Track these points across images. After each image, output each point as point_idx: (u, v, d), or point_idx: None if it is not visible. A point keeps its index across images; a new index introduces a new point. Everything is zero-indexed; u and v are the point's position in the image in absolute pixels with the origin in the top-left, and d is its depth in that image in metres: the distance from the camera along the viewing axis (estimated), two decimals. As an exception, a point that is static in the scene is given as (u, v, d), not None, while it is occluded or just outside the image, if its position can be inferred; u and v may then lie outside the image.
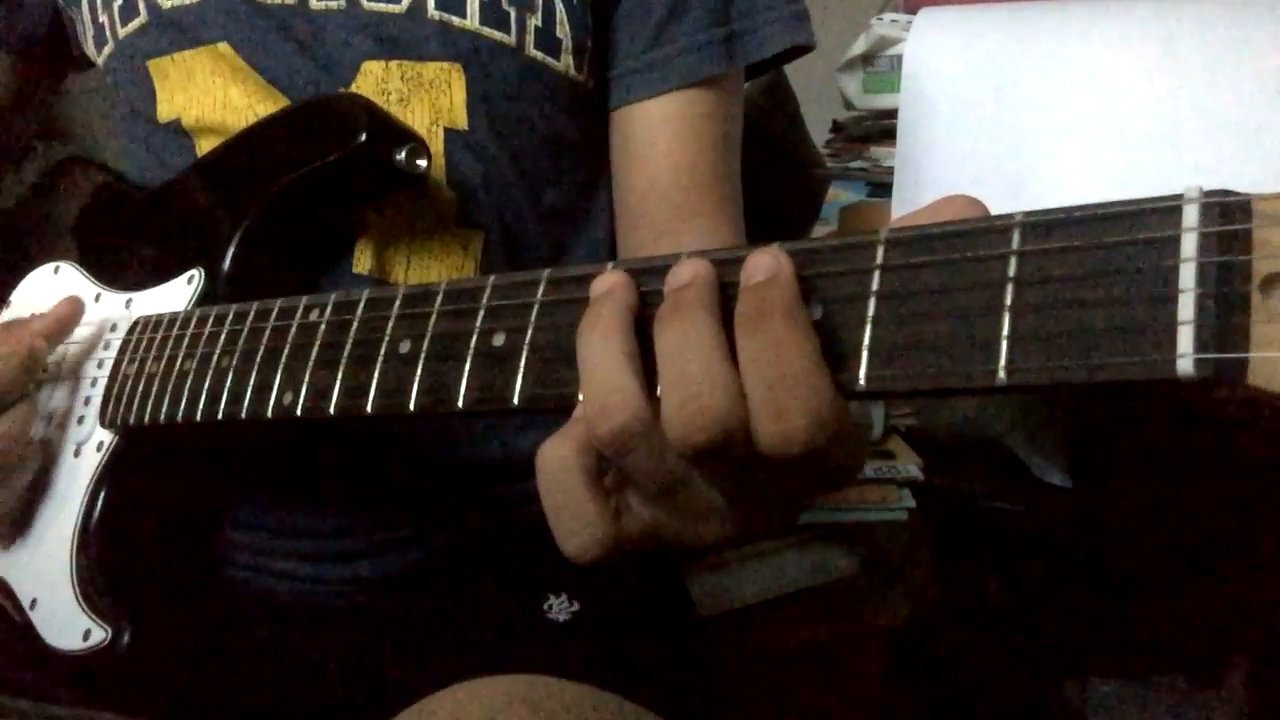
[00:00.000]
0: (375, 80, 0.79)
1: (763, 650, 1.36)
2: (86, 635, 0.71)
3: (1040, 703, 1.55)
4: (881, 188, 1.42)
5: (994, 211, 0.41)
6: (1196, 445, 1.36)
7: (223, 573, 0.83)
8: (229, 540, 0.83)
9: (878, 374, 0.40)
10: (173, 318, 0.72)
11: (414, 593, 0.82)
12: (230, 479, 0.81)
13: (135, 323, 0.76)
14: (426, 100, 0.80)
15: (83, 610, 0.72)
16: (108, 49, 0.86)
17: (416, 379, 0.53)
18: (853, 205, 1.47)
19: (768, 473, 0.43)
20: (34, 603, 0.75)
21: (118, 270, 0.82)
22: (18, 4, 0.94)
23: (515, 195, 0.83)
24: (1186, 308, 0.34)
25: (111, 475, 0.74)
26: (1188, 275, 0.34)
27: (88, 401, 0.76)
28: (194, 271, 0.76)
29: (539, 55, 0.81)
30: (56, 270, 0.86)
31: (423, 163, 0.74)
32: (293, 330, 0.61)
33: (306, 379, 0.59)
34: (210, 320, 0.68)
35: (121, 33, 0.84)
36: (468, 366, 0.51)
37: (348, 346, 0.57)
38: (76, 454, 0.76)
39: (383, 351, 0.55)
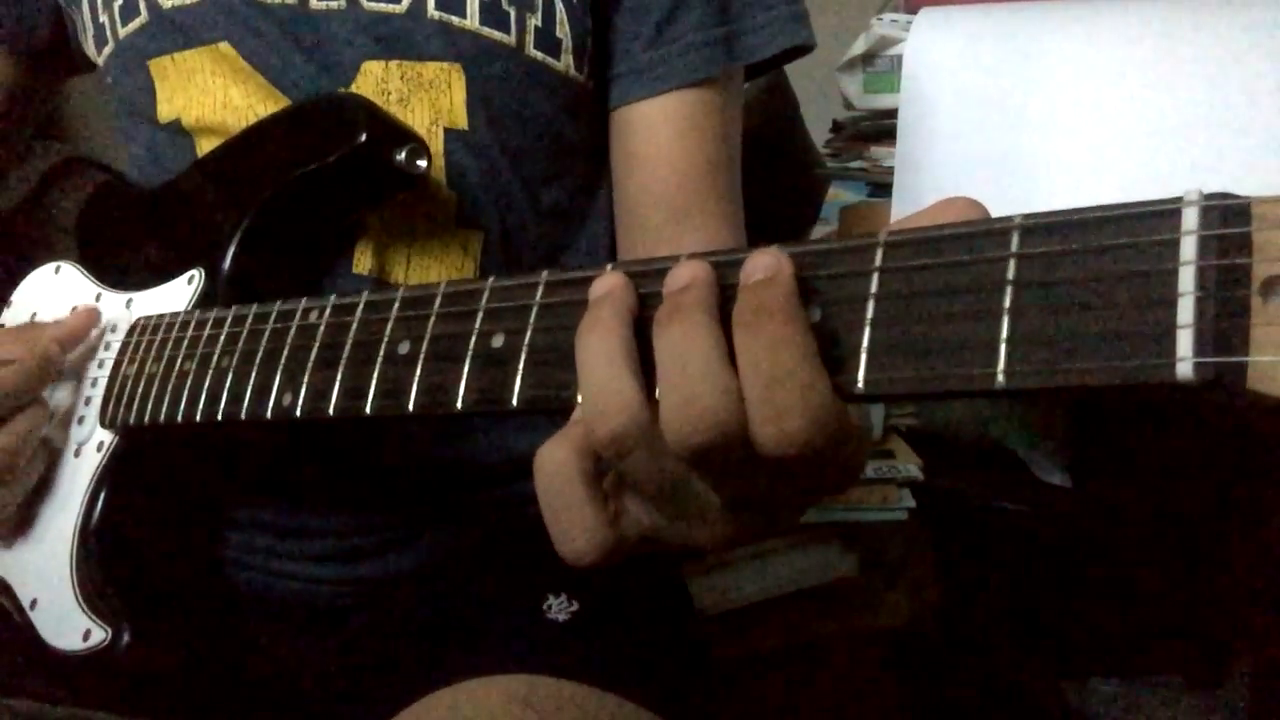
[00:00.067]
0: (375, 80, 0.79)
1: (763, 650, 1.36)
2: (86, 635, 0.71)
3: (1040, 703, 1.55)
4: (881, 188, 1.42)
5: (994, 211, 0.41)
6: (1196, 446, 1.36)
7: (222, 573, 0.83)
8: (229, 540, 0.83)
9: (876, 376, 0.40)
10: (173, 318, 0.72)
11: (414, 593, 0.82)
12: (230, 479, 0.81)
13: (135, 323, 0.76)
14: (426, 100, 0.79)
15: (82, 610, 0.72)
16: (108, 49, 0.86)
17: (415, 380, 0.53)
18: (853, 205, 1.47)
19: (766, 475, 0.43)
20: (34, 603, 0.75)
21: (118, 270, 0.82)
22: (18, 4, 0.94)
23: (515, 195, 0.83)
24: (1186, 311, 0.34)
25: (112, 475, 0.74)
26: (1187, 278, 0.34)
27: (88, 402, 0.76)
28: (194, 272, 0.76)
29: (539, 55, 0.81)
30: (57, 270, 0.86)
31: (422, 163, 0.74)
32: (292, 331, 0.61)
33: (306, 380, 0.59)
34: (210, 321, 0.68)
35: (122, 32, 0.84)
36: (466, 368, 0.51)
37: (347, 348, 0.57)
38: (77, 454, 0.76)
39: (382, 353, 0.55)
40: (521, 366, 0.49)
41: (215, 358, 0.66)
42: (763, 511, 0.46)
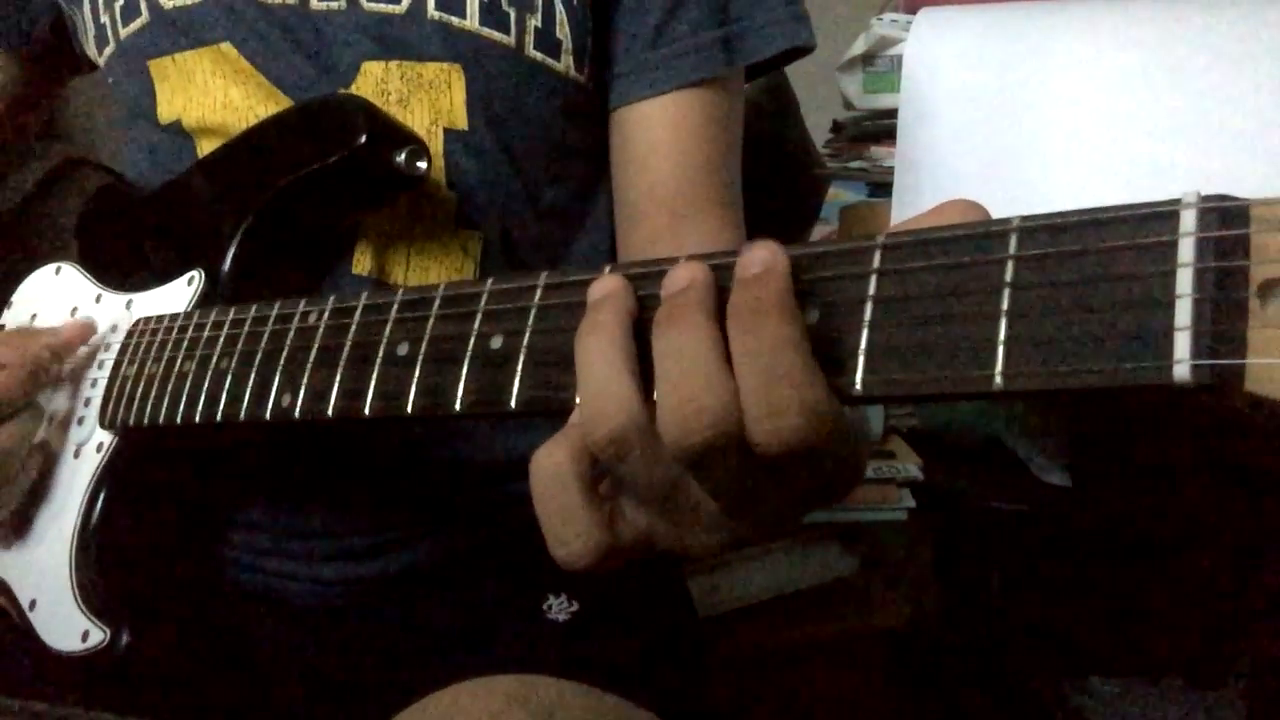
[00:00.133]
0: (375, 80, 0.79)
1: (763, 650, 1.36)
2: (85, 636, 0.71)
3: (1040, 703, 1.55)
4: (881, 188, 1.42)
5: (994, 212, 0.41)
6: (1196, 447, 1.36)
7: (222, 573, 0.83)
8: (228, 540, 0.83)
9: (874, 378, 0.40)
10: (172, 319, 0.72)
11: (414, 593, 0.82)
12: (230, 480, 0.81)
13: (135, 324, 0.76)
14: (426, 101, 0.79)
15: (81, 611, 0.72)
16: (109, 49, 0.86)
17: (414, 381, 0.53)
18: (853, 205, 1.47)
19: (764, 478, 0.43)
20: (33, 603, 0.75)
21: (118, 271, 0.82)
22: (20, 4, 0.94)
23: (515, 196, 0.83)
24: (1183, 313, 0.34)
25: (111, 476, 0.74)
26: (1185, 281, 0.34)
27: (88, 403, 0.76)
28: (194, 273, 0.76)
29: (539, 56, 0.81)
30: (58, 271, 0.86)
31: (422, 165, 0.74)
32: (291, 332, 0.61)
33: (305, 381, 0.59)
34: (210, 322, 0.68)
35: (123, 33, 0.84)
36: (465, 369, 0.51)
37: (346, 349, 0.57)
38: (76, 455, 0.76)
39: (381, 354, 0.55)
40: (520, 368, 0.49)
41: (214, 359, 0.66)
42: (760, 517, 0.46)
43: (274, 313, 0.63)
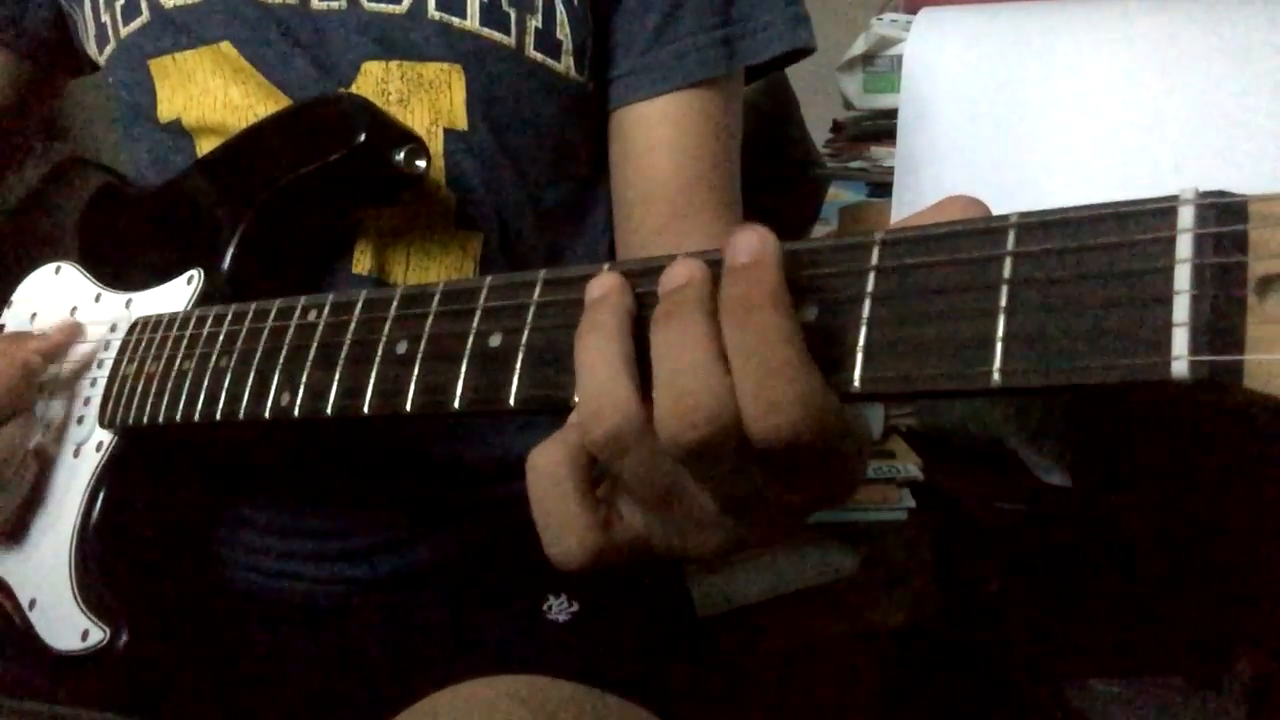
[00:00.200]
0: (375, 80, 0.79)
1: (763, 650, 1.36)
2: (85, 635, 0.71)
3: (1040, 703, 1.54)
4: (881, 188, 1.42)
5: (994, 211, 0.41)
6: (1195, 446, 1.36)
7: (221, 573, 0.83)
8: (228, 540, 0.83)
9: (872, 375, 0.40)
10: (172, 318, 0.72)
11: (414, 593, 0.82)
12: (229, 480, 0.81)
13: (135, 323, 0.76)
14: (426, 101, 0.80)
15: (81, 610, 0.72)
16: (109, 48, 0.86)
17: (413, 380, 0.53)
18: (853, 205, 1.47)
19: (762, 476, 0.43)
20: (33, 603, 0.75)
21: (118, 270, 0.82)
22: (21, 3, 0.94)
23: (514, 196, 0.83)
24: (1181, 310, 0.34)
25: (110, 475, 0.74)
26: (1183, 277, 0.34)
27: (87, 402, 0.76)
28: (193, 272, 0.76)
29: (539, 56, 0.81)
30: (58, 270, 0.86)
31: (421, 163, 0.74)
32: (290, 331, 0.61)
33: (304, 379, 0.59)
34: (209, 320, 0.68)
35: (124, 32, 0.84)
36: (464, 367, 0.51)
37: (345, 347, 0.57)
38: (76, 454, 0.76)
39: (380, 352, 0.55)
40: (519, 366, 0.49)
41: (214, 357, 0.66)
42: (758, 518, 0.46)
43: (273, 311, 0.63)
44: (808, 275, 0.42)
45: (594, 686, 0.73)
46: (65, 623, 0.72)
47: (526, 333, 0.49)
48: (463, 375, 0.50)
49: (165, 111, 0.84)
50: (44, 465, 0.76)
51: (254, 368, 0.62)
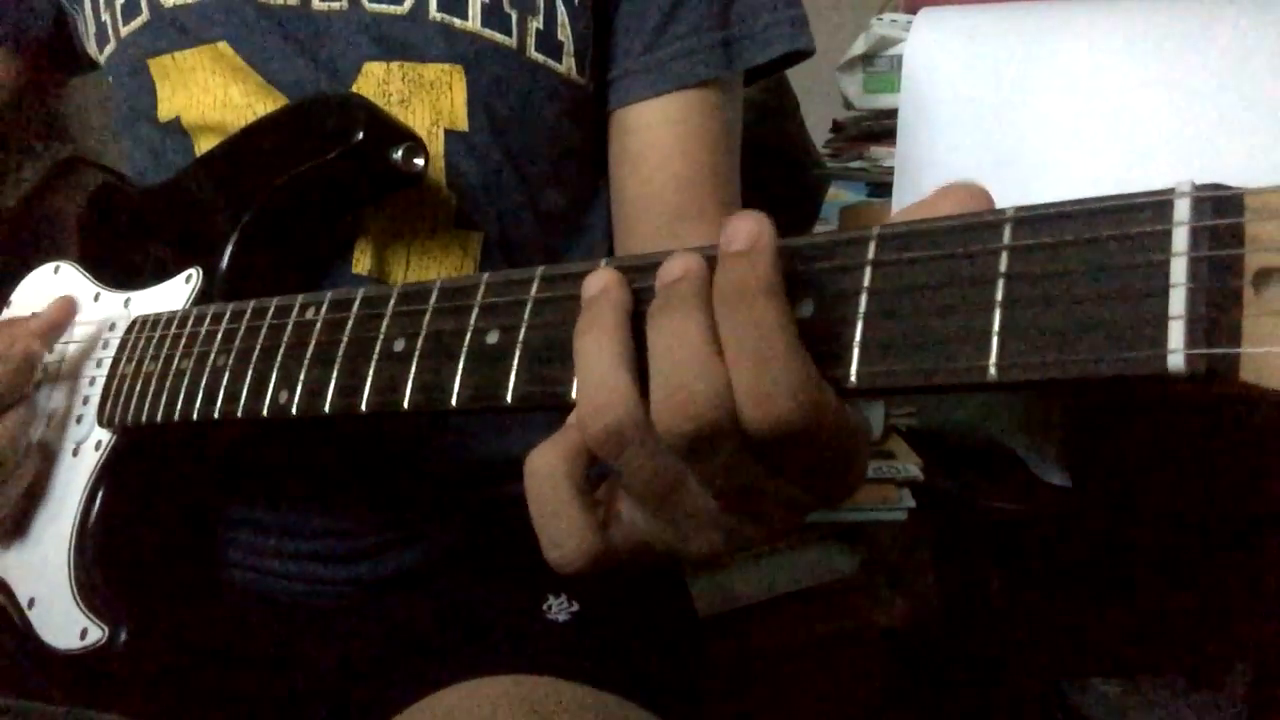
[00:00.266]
0: (376, 81, 0.79)
1: (763, 650, 1.36)
2: (84, 634, 0.71)
3: (1040, 703, 1.54)
4: (881, 188, 1.43)
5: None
6: (1196, 446, 1.36)
7: (221, 572, 0.83)
8: (227, 540, 0.83)
9: (869, 370, 0.40)
10: (170, 317, 0.72)
11: (414, 593, 0.82)
12: (229, 478, 0.81)
13: (133, 322, 0.76)
14: (427, 101, 0.80)
15: (80, 609, 0.72)
16: (109, 47, 0.86)
17: (410, 377, 0.52)
18: (853, 205, 1.47)
19: (762, 471, 0.43)
20: (32, 602, 0.75)
21: (117, 269, 0.82)
22: (21, 3, 0.95)
23: (514, 197, 0.83)
24: (1177, 303, 0.34)
25: (109, 474, 0.74)
26: (1179, 270, 0.34)
27: (86, 401, 0.76)
28: (192, 270, 0.76)
29: (540, 58, 0.81)
30: (56, 270, 0.86)
31: (419, 161, 0.74)
32: (288, 329, 0.61)
33: (302, 377, 0.59)
34: (207, 319, 0.68)
35: (123, 31, 0.84)
36: (461, 364, 0.51)
37: (343, 345, 0.57)
38: (75, 453, 0.76)
39: (377, 350, 0.55)
40: (516, 363, 0.49)
41: (212, 356, 0.66)
42: (757, 515, 0.46)
43: (271, 308, 0.63)
44: (804, 270, 0.42)
45: (594, 686, 0.73)
46: (64, 622, 0.72)
47: (524, 329, 0.49)
48: (460, 372, 0.50)
49: (165, 111, 0.84)
50: (45, 460, 0.76)
51: (252, 366, 0.62)
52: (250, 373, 0.62)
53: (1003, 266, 0.37)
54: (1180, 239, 0.34)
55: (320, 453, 0.79)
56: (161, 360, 0.70)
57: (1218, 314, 0.33)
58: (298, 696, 0.82)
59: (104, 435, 0.74)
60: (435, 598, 0.82)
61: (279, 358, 0.61)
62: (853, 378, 0.40)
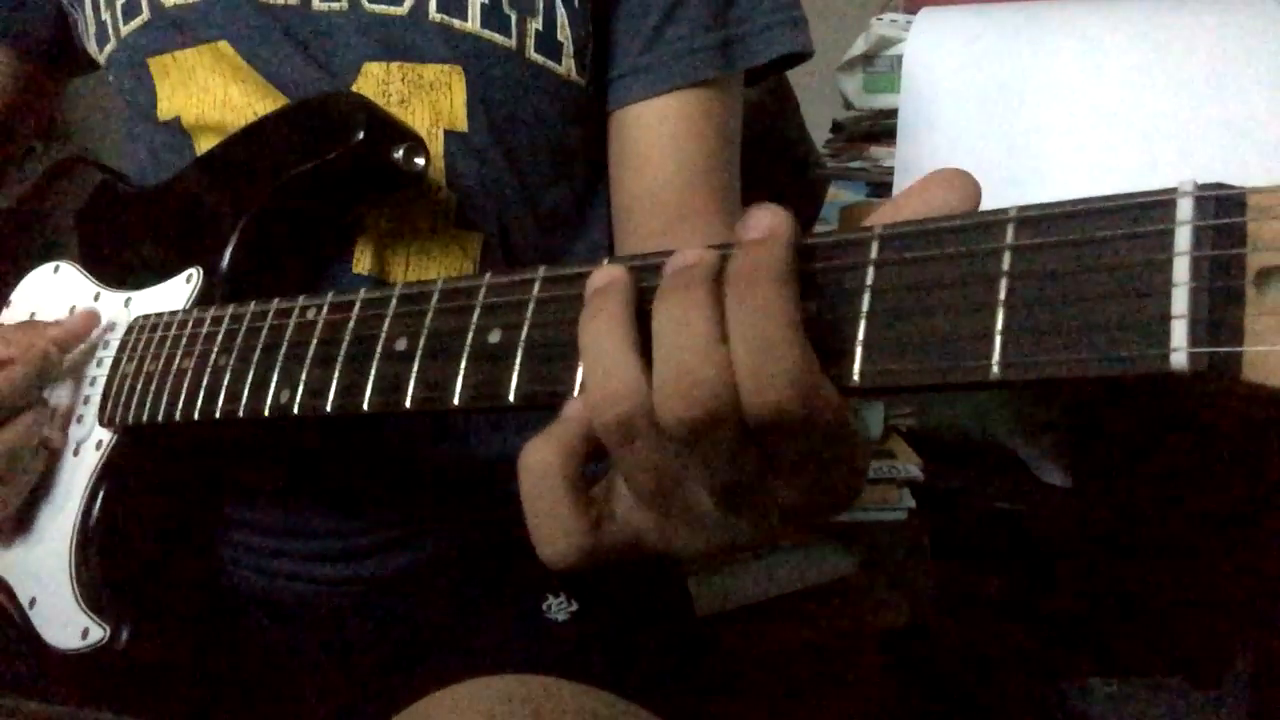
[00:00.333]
0: (376, 81, 0.79)
1: (763, 650, 1.36)
2: (85, 634, 0.71)
3: (1040, 703, 1.54)
4: (881, 188, 1.43)
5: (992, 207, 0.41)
6: (1196, 445, 1.36)
7: (221, 572, 0.83)
8: (228, 539, 0.83)
9: (872, 369, 0.40)
10: (171, 317, 0.72)
11: (413, 593, 0.82)
12: (229, 478, 0.81)
13: (134, 322, 0.76)
14: (427, 102, 0.80)
15: (81, 609, 0.72)
16: (109, 46, 0.86)
17: (412, 376, 0.53)
18: (853, 205, 1.47)
19: (759, 467, 0.43)
20: (33, 601, 0.75)
21: (117, 269, 0.82)
22: (21, 2, 0.94)
23: (514, 197, 0.83)
24: (1180, 302, 0.34)
25: (110, 474, 0.74)
26: (1181, 269, 0.34)
27: (87, 400, 0.76)
28: (192, 270, 0.76)
29: (539, 59, 0.81)
30: (56, 270, 0.86)
31: (420, 161, 0.74)
32: (290, 328, 0.61)
33: (303, 377, 0.59)
34: (208, 319, 0.68)
35: (124, 30, 0.84)
36: (463, 364, 0.51)
37: (344, 344, 0.57)
38: (76, 453, 0.76)
39: (379, 349, 0.55)
40: (518, 362, 0.49)
41: (213, 356, 0.66)
42: (753, 516, 0.45)
43: (272, 309, 0.63)
44: (807, 269, 0.42)
45: (594, 686, 0.72)
46: (66, 621, 0.72)
47: (526, 328, 0.49)
48: (462, 371, 0.50)
49: (164, 110, 0.84)
50: (51, 459, 0.76)
51: (253, 365, 0.62)
52: (252, 372, 0.62)
53: (1005, 265, 0.37)
54: (1183, 238, 0.34)
55: (320, 453, 0.79)
56: (163, 360, 0.70)
57: (1220, 313, 0.33)
58: (298, 696, 0.82)
59: (105, 435, 0.74)
60: (435, 598, 0.82)
61: (280, 357, 0.61)
62: (856, 376, 0.40)
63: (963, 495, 1.50)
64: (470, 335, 0.51)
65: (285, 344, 0.61)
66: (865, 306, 0.40)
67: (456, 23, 0.79)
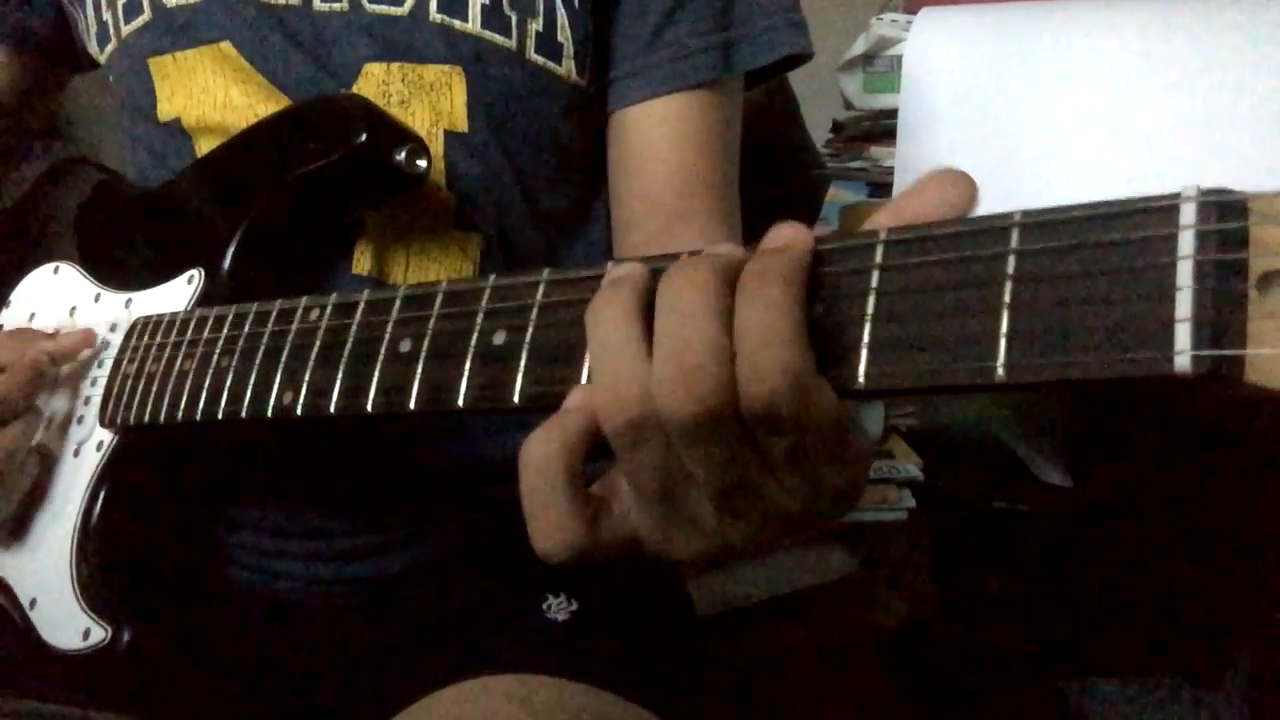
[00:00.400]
0: (376, 82, 0.79)
1: (762, 650, 1.36)
2: (86, 634, 0.71)
3: (1040, 703, 1.55)
4: (881, 188, 1.43)
5: (992, 210, 0.41)
6: (1196, 446, 1.36)
7: (223, 572, 0.83)
8: (229, 540, 0.83)
9: (877, 371, 0.40)
10: (173, 318, 0.72)
11: (414, 593, 0.82)
12: (230, 479, 0.81)
13: (135, 323, 0.76)
14: (427, 102, 0.80)
15: (82, 609, 0.72)
16: (110, 46, 0.86)
17: (417, 377, 0.53)
18: (853, 205, 1.47)
19: (758, 467, 0.43)
20: (33, 602, 0.75)
21: (118, 270, 0.82)
22: (22, 1, 0.94)
23: (514, 198, 0.83)
24: (1184, 305, 0.34)
25: (111, 474, 0.74)
26: (1185, 273, 0.34)
27: (88, 401, 0.76)
28: (194, 271, 0.76)
29: (540, 60, 0.81)
30: (56, 270, 0.86)
31: (422, 163, 0.74)
32: (293, 330, 0.61)
33: (307, 378, 0.59)
34: (210, 320, 0.68)
35: (125, 30, 0.84)
36: (468, 365, 0.51)
37: (348, 346, 0.57)
38: (76, 453, 0.76)
39: (383, 351, 0.55)
40: (523, 364, 0.49)
41: (215, 357, 0.66)
42: (751, 519, 0.45)
43: (275, 310, 0.63)
44: (813, 273, 0.42)
45: (594, 686, 0.73)
46: (67, 622, 0.72)
47: (530, 331, 0.49)
48: (467, 373, 0.51)
49: (165, 111, 0.84)
50: (45, 463, 0.76)
51: (256, 367, 0.62)
52: (254, 373, 0.62)
53: (1010, 269, 0.38)
54: (1186, 242, 0.35)
55: (321, 453, 0.79)
56: (165, 361, 0.70)
57: (1223, 316, 0.34)
58: (299, 696, 0.82)
59: (105, 436, 0.74)
60: (435, 597, 0.82)
61: (283, 359, 0.61)
62: (861, 378, 0.40)
63: (963, 495, 1.51)
64: (475, 337, 0.51)
65: (289, 345, 0.61)
66: (870, 309, 0.41)
67: (457, 23, 0.79)
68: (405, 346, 0.54)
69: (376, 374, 0.55)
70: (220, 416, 0.64)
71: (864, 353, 0.40)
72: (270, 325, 0.63)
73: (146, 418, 0.70)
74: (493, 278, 0.52)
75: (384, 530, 0.82)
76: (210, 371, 0.66)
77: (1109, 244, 0.36)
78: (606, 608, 0.81)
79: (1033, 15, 1.17)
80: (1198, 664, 1.51)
